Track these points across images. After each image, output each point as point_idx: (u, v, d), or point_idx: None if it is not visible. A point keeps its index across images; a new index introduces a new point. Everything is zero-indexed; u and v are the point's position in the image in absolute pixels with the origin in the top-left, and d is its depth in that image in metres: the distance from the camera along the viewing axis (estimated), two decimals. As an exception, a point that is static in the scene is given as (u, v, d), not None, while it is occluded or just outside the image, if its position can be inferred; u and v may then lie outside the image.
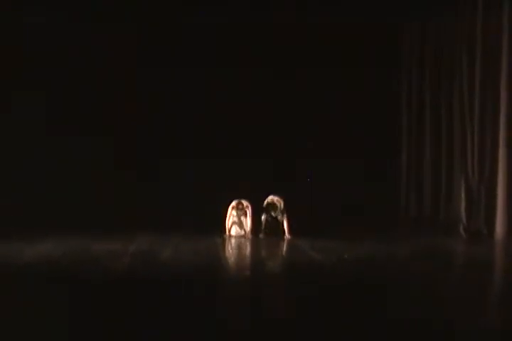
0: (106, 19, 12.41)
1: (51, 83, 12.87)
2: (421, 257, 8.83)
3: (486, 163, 10.75)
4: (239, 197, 10.77)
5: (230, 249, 9.89)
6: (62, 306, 5.94)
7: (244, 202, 10.68)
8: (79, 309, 5.82)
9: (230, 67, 13.03)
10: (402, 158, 13.48)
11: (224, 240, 10.37)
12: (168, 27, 12.88)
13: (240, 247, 9.99)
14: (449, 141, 12.07)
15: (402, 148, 13.48)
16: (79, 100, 13.08)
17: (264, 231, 10.69)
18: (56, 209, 12.02)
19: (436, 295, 6.51)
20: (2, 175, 12.37)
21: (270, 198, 10.81)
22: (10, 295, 6.46)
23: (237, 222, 10.64)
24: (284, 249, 9.93)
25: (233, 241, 10.38)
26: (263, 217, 10.71)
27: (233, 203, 10.68)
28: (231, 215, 10.66)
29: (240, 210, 10.63)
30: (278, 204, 10.72)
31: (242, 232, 10.63)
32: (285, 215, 10.67)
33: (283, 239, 10.43)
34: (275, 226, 10.70)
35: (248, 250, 9.88)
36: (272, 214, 10.69)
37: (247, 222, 10.64)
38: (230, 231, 10.66)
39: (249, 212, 10.64)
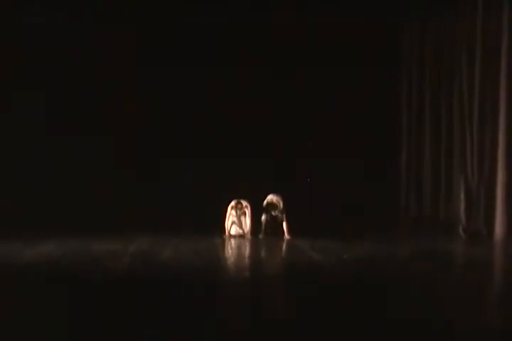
0: (106, 19, 12.42)
1: (51, 83, 12.88)
2: (421, 257, 8.82)
3: (486, 163, 10.75)
4: (239, 197, 10.77)
5: (230, 249, 9.89)
6: (62, 306, 5.94)
7: (244, 202, 10.68)
8: (79, 309, 5.82)
9: (230, 67, 13.03)
10: (402, 158, 13.49)
11: (224, 240, 10.37)
12: (168, 27, 12.89)
13: (239, 247, 9.99)
14: (448, 141, 12.07)
15: (401, 148, 13.50)
16: (79, 100, 13.09)
17: (264, 231, 10.68)
18: (56, 209, 12.03)
19: (436, 295, 6.51)
20: (2, 175, 12.38)
21: (270, 198, 10.80)
22: (10, 295, 6.46)
23: (236, 222, 10.64)
24: (284, 249, 9.93)
25: (233, 241, 10.37)
26: (263, 217, 10.70)
27: (232, 203, 10.68)
28: (230, 215, 10.65)
29: (239, 210, 10.62)
30: (278, 204, 10.72)
31: (242, 232, 10.62)
32: (284, 215, 10.66)
33: (282, 239, 10.42)
34: (275, 225, 10.69)
35: (248, 250, 9.88)
36: (272, 213, 10.69)
37: (247, 222, 10.63)
38: (229, 230, 10.65)
39: (248, 212, 10.63)
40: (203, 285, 6.87)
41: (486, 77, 10.75)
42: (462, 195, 11.09)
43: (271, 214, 10.69)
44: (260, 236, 10.65)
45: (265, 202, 10.78)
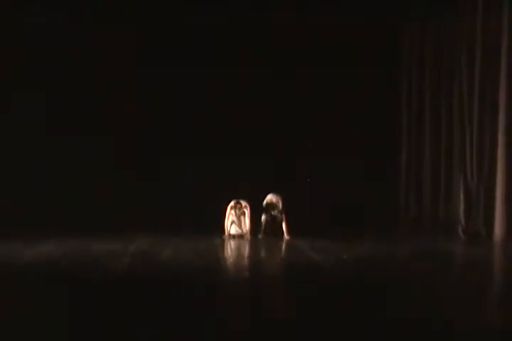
0: (106, 19, 12.42)
1: (51, 83, 12.87)
2: (421, 257, 8.82)
3: (485, 163, 10.75)
4: (239, 197, 10.76)
5: (230, 249, 9.89)
6: (62, 306, 5.94)
7: (243, 202, 10.67)
8: (79, 309, 5.83)
9: (230, 67, 13.03)
10: (402, 158, 13.49)
11: (223, 240, 10.37)
12: (168, 27, 12.88)
13: (239, 248, 9.99)
14: (448, 141, 12.07)
15: (401, 148, 13.50)
16: (79, 100, 13.08)
17: (263, 231, 10.67)
18: (56, 209, 12.03)
19: (436, 295, 6.51)
20: (2, 175, 12.38)
21: (269, 198, 10.80)
22: (10, 295, 6.46)
23: (236, 222, 10.63)
24: (284, 249, 9.93)
25: (233, 241, 10.37)
26: (263, 217, 10.70)
27: (231, 203, 10.67)
28: (230, 215, 10.64)
29: (239, 210, 10.62)
30: (277, 204, 10.71)
31: (242, 231, 10.61)
32: (284, 215, 10.66)
33: (282, 240, 10.42)
34: (274, 225, 10.68)
35: (248, 250, 9.88)
36: (272, 213, 10.68)
37: (246, 222, 10.62)
38: (229, 230, 10.63)
39: (247, 212, 10.62)
40: (203, 285, 6.87)
41: (485, 77, 10.75)
42: (461, 196, 11.09)
43: (271, 214, 10.69)
44: (260, 236, 10.64)
45: (265, 201, 10.78)
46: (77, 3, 11.88)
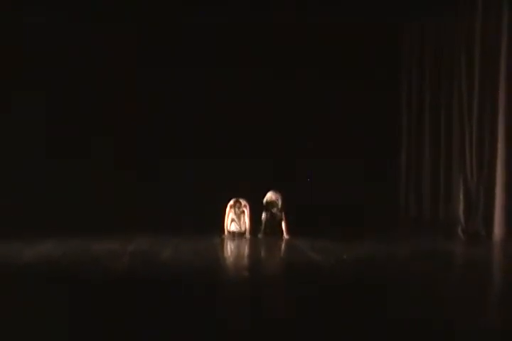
0: (106, 19, 12.42)
1: (51, 83, 12.88)
2: (421, 257, 8.82)
3: (485, 163, 10.74)
4: (238, 196, 10.74)
5: (230, 249, 9.89)
6: (62, 306, 5.94)
7: (242, 201, 10.65)
8: (79, 309, 5.83)
9: (230, 67, 13.03)
10: (402, 158, 13.50)
11: (223, 240, 10.37)
12: (168, 27, 12.88)
13: (239, 247, 9.99)
14: (448, 141, 12.08)
15: (401, 148, 13.50)
16: (79, 100, 13.09)
17: (263, 230, 10.67)
18: (56, 209, 12.03)
19: (436, 295, 6.51)
20: (2, 175, 12.38)
21: (269, 195, 10.79)
22: (10, 295, 6.46)
23: (235, 220, 10.62)
24: (284, 249, 9.93)
25: (233, 241, 10.37)
26: (263, 216, 10.69)
27: (231, 202, 10.65)
28: (230, 213, 10.63)
29: (238, 209, 10.61)
30: (277, 202, 10.70)
31: (242, 229, 10.59)
32: (284, 213, 10.64)
33: (282, 239, 10.42)
34: (274, 224, 10.67)
35: (248, 250, 9.87)
36: (272, 211, 10.68)
37: (246, 221, 10.61)
38: (229, 227, 10.60)
39: (246, 211, 10.61)
40: (203, 285, 6.87)
41: (485, 77, 10.74)
42: (461, 196, 11.08)
43: (271, 212, 10.69)
44: (259, 235, 10.64)
45: (265, 199, 10.77)
46: (77, 3, 11.87)
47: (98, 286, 6.75)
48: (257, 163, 12.79)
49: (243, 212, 10.62)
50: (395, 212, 13.17)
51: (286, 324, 5.41)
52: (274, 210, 10.67)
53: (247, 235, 10.56)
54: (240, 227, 10.60)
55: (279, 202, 10.72)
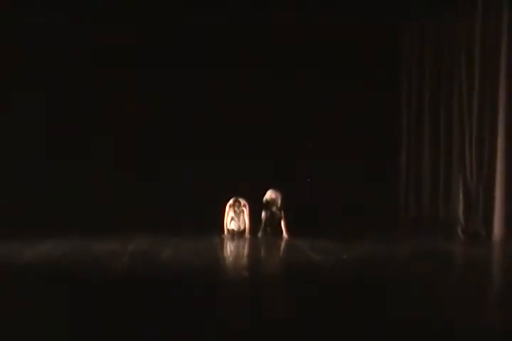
0: (106, 19, 12.41)
1: (51, 83, 12.88)
2: (421, 257, 8.82)
3: (485, 163, 10.74)
4: (238, 196, 10.72)
5: (230, 249, 9.89)
6: (62, 306, 5.94)
7: (242, 201, 10.64)
8: (79, 309, 5.83)
9: (230, 67, 13.03)
10: (402, 158, 13.50)
11: (223, 240, 10.36)
12: (168, 27, 12.88)
13: (239, 247, 9.98)
14: (447, 141, 12.08)
15: (401, 148, 13.50)
16: (79, 100, 13.09)
17: (263, 228, 10.66)
18: (56, 210, 12.03)
19: (436, 295, 6.51)
20: (2, 175, 12.38)
21: (269, 194, 10.77)
22: (10, 295, 6.46)
23: (235, 219, 10.61)
24: (284, 249, 9.93)
25: (232, 241, 10.36)
26: (263, 214, 10.68)
27: (230, 201, 10.64)
28: (229, 212, 10.62)
29: (238, 208, 10.60)
30: (276, 200, 10.69)
31: (241, 227, 10.58)
32: (283, 212, 10.63)
33: (281, 238, 10.41)
34: (274, 222, 10.66)
35: (247, 250, 9.87)
36: (272, 210, 10.67)
37: (246, 221, 10.60)
38: (228, 226, 10.58)
39: (246, 210, 10.60)
40: (203, 285, 6.87)
41: (485, 77, 10.74)
42: (461, 196, 11.08)
43: (271, 211, 10.68)
44: (259, 234, 10.63)
45: (264, 198, 10.76)
46: (77, 3, 11.87)
47: (98, 286, 6.75)
48: (257, 163, 12.79)
49: (242, 211, 10.62)
50: (395, 212, 13.17)
51: (286, 324, 5.41)
52: (274, 209, 10.67)
53: (247, 235, 10.56)
54: (239, 226, 10.59)
55: (279, 201, 10.71)
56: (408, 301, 6.23)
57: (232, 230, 10.60)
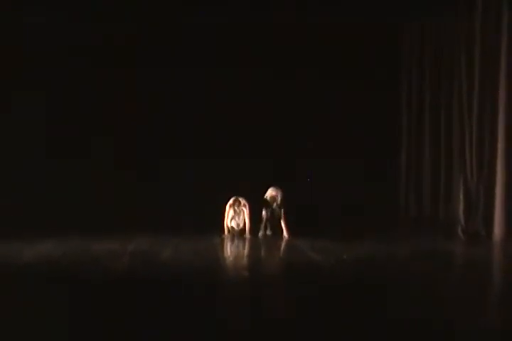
0: (106, 19, 12.41)
1: (51, 83, 12.88)
2: (421, 257, 8.82)
3: (485, 163, 10.74)
4: (238, 195, 10.72)
5: (230, 249, 9.88)
6: (62, 306, 5.94)
7: (242, 200, 10.63)
8: (79, 309, 5.83)
9: (230, 67, 13.04)
10: (402, 158, 13.50)
11: (223, 240, 10.36)
12: (168, 27, 12.88)
13: (239, 247, 9.98)
14: (448, 141, 12.08)
15: (401, 148, 13.50)
16: (79, 100, 13.09)
17: (264, 227, 10.66)
18: (56, 210, 12.03)
19: (436, 295, 6.51)
20: (2, 175, 12.38)
21: (269, 192, 10.76)
22: (10, 295, 6.46)
23: (236, 218, 10.61)
24: (284, 249, 9.93)
25: (232, 240, 10.36)
26: (263, 213, 10.67)
27: (230, 201, 10.64)
28: (229, 211, 10.61)
29: (237, 207, 10.60)
30: (276, 198, 10.68)
31: (241, 226, 10.57)
32: (283, 210, 10.61)
33: (282, 238, 10.41)
34: (274, 221, 10.65)
35: (247, 250, 9.87)
36: (272, 207, 10.66)
37: (246, 220, 10.59)
38: (229, 224, 10.57)
39: (246, 210, 10.59)
40: (203, 285, 6.87)
41: (485, 77, 10.74)
42: (461, 196, 11.08)
43: (271, 209, 10.68)
44: (260, 234, 10.63)
45: (265, 196, 10.76)
46: (77, 3, 11.87)
47: (98, 286, 6.75)
48: (257, 163, 12.79)
49: (242, 211, 10.61)
50: (395, 212, 13.17)
51: (286, 324, 5.41)
52: (274, 206, 10.67)
53: (247, 235, 10.56)
54: (239, 224, 10.59)
55: (279, 198, 10.70)
56: (408, 301, 6.23)
57: (232, 228, 10.59)
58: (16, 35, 12.62)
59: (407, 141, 13.39)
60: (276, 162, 13.09)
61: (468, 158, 11.06)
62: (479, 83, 10.85)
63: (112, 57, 12.92)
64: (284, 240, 10.36)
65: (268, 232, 10.70)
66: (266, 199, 10.72)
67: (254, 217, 10.65)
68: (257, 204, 10.72)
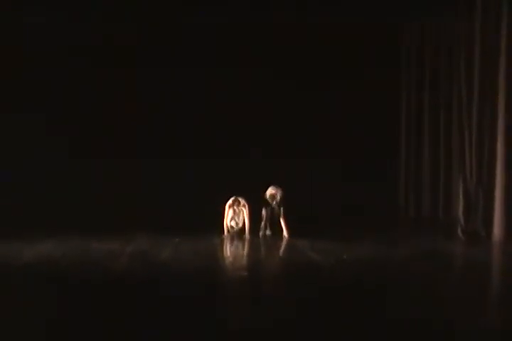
0: (106, 19, 12.42)
1: (51, 83, 12.88)
2: (421, 257, 8.82)
3: (484, 163, 10.74)
4: (238, 195, 10.71)
5: (230, 249, 9.88)
6: (62, 306, 5.94)
7: (242, 201, 10.62)
8: (79, 309, 5.83)
9: (230, 67, 13.04)
10: (402, 158, 13.50)
11: (223, 240, 10.36)
12: (168, 27, 12.89)
13: (239, 247, 9.98)
14: (447, 142, 12.09)
15: (401, 148, 13.51)
16: (79, 100, 13.09)
17: (264, 226, 10.65)
18: (56, 209, 12.03)
19: (436, 295, 6.51)
20: (2, 175, 12.38)
21: (269, 190, 10.75)
22: (10, 295, 6.46)
23: (235, 218, 10.61)
24: (284, 249, 9.92)
25: (232, 240, 10.36)
26: (263, 212, 10.66)
27: (230, 201, 10.63)
28: (229, 211, 10.60)
29: (237, 207, 10.59)
30: (275, 197, 10.67)
31: (240, 225, 10.57)
32: (283, 208, 10.59)
33: (281, 238, 10.40)
34: (274, 220, 10.64)
35: (247, 250, 9.87)
36: (272, 205, 10.66)
37: (245, 220, 10.59)
38: (229, 224, 10.57)
39: (245, 210, 10.58)
40: (203, 285, 6.87)
41: (485, 77, 10.73)
42: (461, 196, 11.08)
43: (271, 208, 10.67)
44: (260, 233, 10.62)
45: (265, 195, 10.76)
46: (77, 3, 11.88)
47: (98, 286, 6.75)
48: (257, 163, 12.79)
49: (242, 210, 10.61)
50: (395, 212, 13.17)
51: (286, 324, 5.41)
52: (273, 204, 10.66)
53: (247, 235, 10.55)
54: (239, 224, 10.58)
55: (278, 197, 10.69)
56: (408, 301, 6.23)
57: (232, 227, 10.59)
58: (16, 35, 12.63)
59: (407, 141, 13.39)
60: (277, 162, 13.08)
61: (467, 158, 11.06)
62: (479, 83, 10.85)
63: (112, 57, 12.93)
64: (284, 240, 10.36)
65: (268, 232, 10.70)
66: (266, 198, 10.72)
67: (254, 216, 10.64)
68: (256, 204, 10.72)
